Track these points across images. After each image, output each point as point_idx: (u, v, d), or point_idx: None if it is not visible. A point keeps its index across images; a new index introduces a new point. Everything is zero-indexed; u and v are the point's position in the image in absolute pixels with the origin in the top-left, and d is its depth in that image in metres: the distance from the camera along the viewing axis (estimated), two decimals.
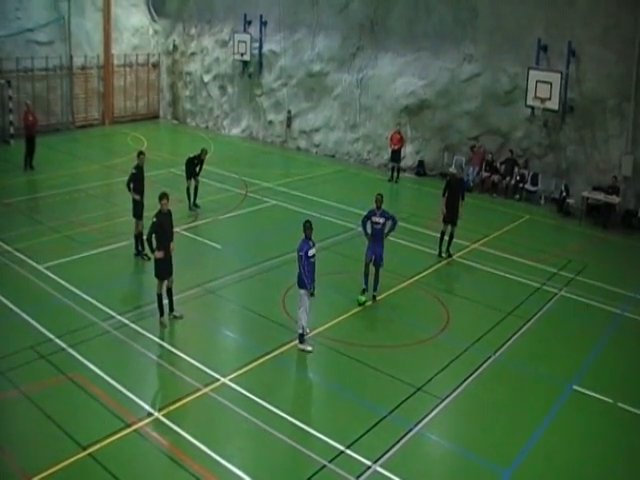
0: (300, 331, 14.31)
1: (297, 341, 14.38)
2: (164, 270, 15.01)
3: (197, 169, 23.38)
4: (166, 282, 15.13)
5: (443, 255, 20.17)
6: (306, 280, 14.03)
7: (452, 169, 26.86)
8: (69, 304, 15.90)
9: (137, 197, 18.62)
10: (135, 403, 12.19)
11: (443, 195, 20.02)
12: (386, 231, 17.02)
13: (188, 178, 23.30)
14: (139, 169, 18.74)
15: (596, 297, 17.88)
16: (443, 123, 29.43)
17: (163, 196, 15.08)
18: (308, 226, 14.17)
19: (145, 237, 15.31)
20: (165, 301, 15.24)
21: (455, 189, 19.84)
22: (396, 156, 29.08)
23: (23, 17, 33.20)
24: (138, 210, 18.65)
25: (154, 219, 14.91)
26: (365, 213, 17.21)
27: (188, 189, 23.36)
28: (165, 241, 14.98)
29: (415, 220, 23.42)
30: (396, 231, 17.69)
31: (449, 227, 19.95)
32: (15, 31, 32.89)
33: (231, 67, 37.18)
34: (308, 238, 14.14)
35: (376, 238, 16.89)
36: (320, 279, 18.05)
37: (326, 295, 17.35)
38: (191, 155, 23.54)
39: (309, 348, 14.26)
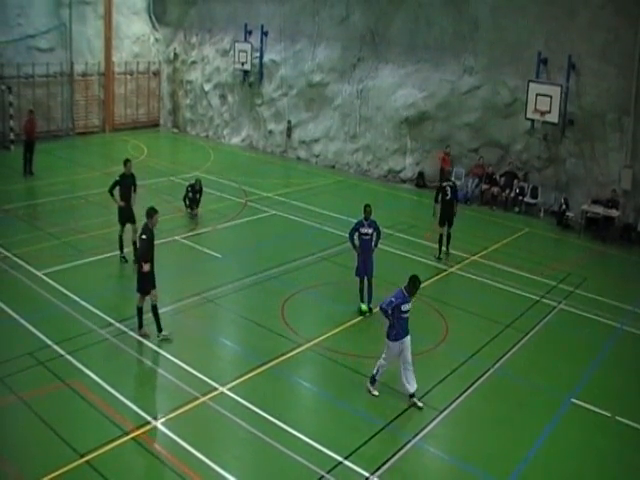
0: (374, 372, 13.23)
1: (368, 381, 13.41)
2: (148, 284, 14.71)
3: (196, 197, 23.73)
4: (149, 298, 14.79)
5: (441, 257, 20.98)
6: (392, 332, 12.89)
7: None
8: (68, 311, 15.88)
9: (122, 204, 18.85)
10: (133, 411, 12.16)
11: (436, 201, 20.98)
12: (373, 245, 16.89)
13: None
14: (123, 176, 18.89)
15: (595, 310, 17.88)
16: (443, 135, 29.48)
17: (155, 212, 14.79)
18: (417, 281, 12.89)
19: (139, 254, 14.86)
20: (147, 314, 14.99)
21: (454, 193, 20.88)
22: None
23: (24, 23, 33.31)
24: (122, 216, 18.89)
25: (143, 236, 14.53)
26: (353, 225, 17.00)
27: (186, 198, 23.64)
28: (152, 254, 14.71)
29: (414, 231, 23.43)
30: (386, 243, 17.54)
31: (446, 229, 21.01)
32: (16, 37, 33.00)
33: (232, 76, 37.27)
34: (409, 293, 12.86)
35: (365, 250, 16.69)
36: (319, 289, 18.21)
37: (324, 305, 17.39)
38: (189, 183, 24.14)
39: (375, 393, 13.24)
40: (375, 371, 13.19)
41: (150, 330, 14.92)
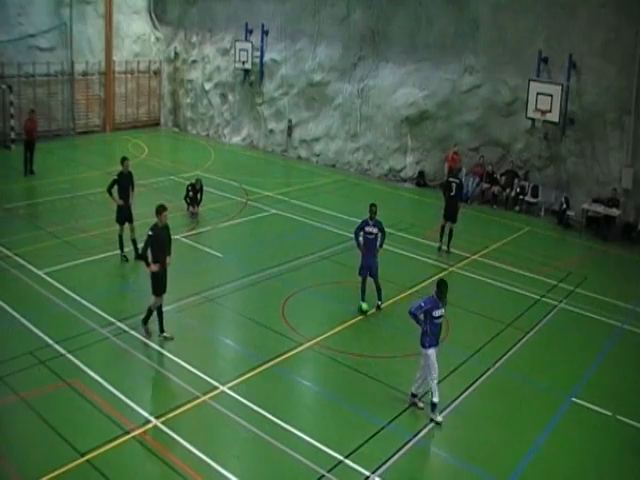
0: (435, 399, 12.43)
1: (430, 410, 12.58)
2: (162, 285, 14.55)
3: (197, 196, 23.81)
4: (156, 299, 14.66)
5: (441, 247, 21.57)
6: (426, 339, 12.44)
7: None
8: (69, 310, 15.88)
9: (120, 202, 18.80)
10: (133, 410, 12.16)
11: (444, 194, 21.64)
12: (378, 245, 16.90)
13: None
14: (121, 175, 18.83)
15: (596, 309, 17.88)
16: (444, 134, 29.48)
17: (163, 209, 14.55)
18: (443, 285, 12.47)
19: (140, 252, 14.65)
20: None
21: (460, 190, 21.46)
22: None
23: (25, 23, 33.31)
24: (120, 215, 18.84)
25: (150, 232, 14.31)
26: (358, 224, 17.00)
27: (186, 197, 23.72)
28: (161, 255, 14.43)
29: (415, 231, 23.41)
30: (386, 242, 17.46)
31: (448, 224, 21.35)
32: (17, 36, 33.01)
33: (232, 75, 37.28)
34: (439, 298, 12.48)
35: (369, 249, 16.69)
36: (319, 288, 18.21)
37: (325, 304, 17.39)
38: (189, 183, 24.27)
39: (439, 419, 12.45)
40: (432, 395, 12.44)
41: (151, 328, 14.95)
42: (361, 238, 16.83)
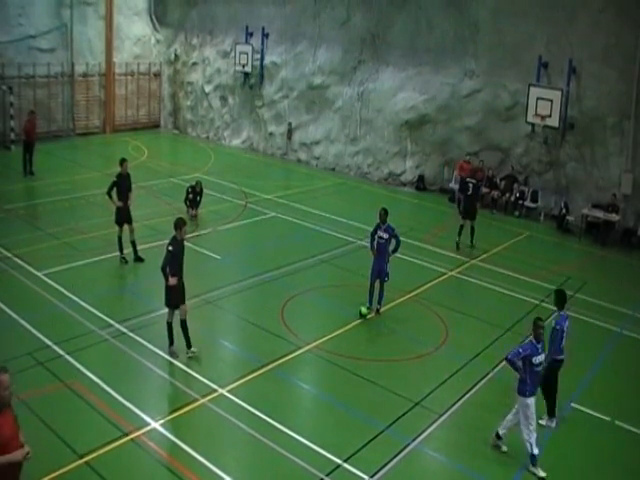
0: (535, 451, 11.46)
1: (529, 463, 11.54)
2: (175, 298, 14.06)
3: (196, 199, 23.87)
4: (178, 312, 14.16)
5: (464, 243, 22.51)
6: (526, 388, 11.54)
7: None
8: (68, 311, 15.85)
9: (119, 204, 18.79)
10: (133, 412, 12.14)
11: (460, 192, 23.28)
12: (390, 250, 16.96)
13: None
14: (120, 177, 18.81)
15: (595, 315, 17.87)
16: (443, 138, 29.49)
17: (183, 223, 14.18)
18: (540, 325, 11.73)
19: (161, 266, 14.25)
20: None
21: (476, 190, 22.57)
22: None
23: (25, 24, 33.28)
24: (119, 217, 18.82)
25: (170, 248, 13.86)
26: (374, 227, 17.11)
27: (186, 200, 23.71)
28: (179, 268, 14.04)
29: (415, 235, 23.33)
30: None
31: (468, 222, 22.43)
32: (17, 37, 32.97)
33: (232, 78, 37.29)
34: (538, 341, 11.68)
35: (379, 253, 16.82)
36: (319, 291, 18.21)
37: (324, 308, 17.38)
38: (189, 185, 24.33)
39: (542, 474, 11.37)
40: (534, 449, 11.45)
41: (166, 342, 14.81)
42: (375, 242, 16.93)
